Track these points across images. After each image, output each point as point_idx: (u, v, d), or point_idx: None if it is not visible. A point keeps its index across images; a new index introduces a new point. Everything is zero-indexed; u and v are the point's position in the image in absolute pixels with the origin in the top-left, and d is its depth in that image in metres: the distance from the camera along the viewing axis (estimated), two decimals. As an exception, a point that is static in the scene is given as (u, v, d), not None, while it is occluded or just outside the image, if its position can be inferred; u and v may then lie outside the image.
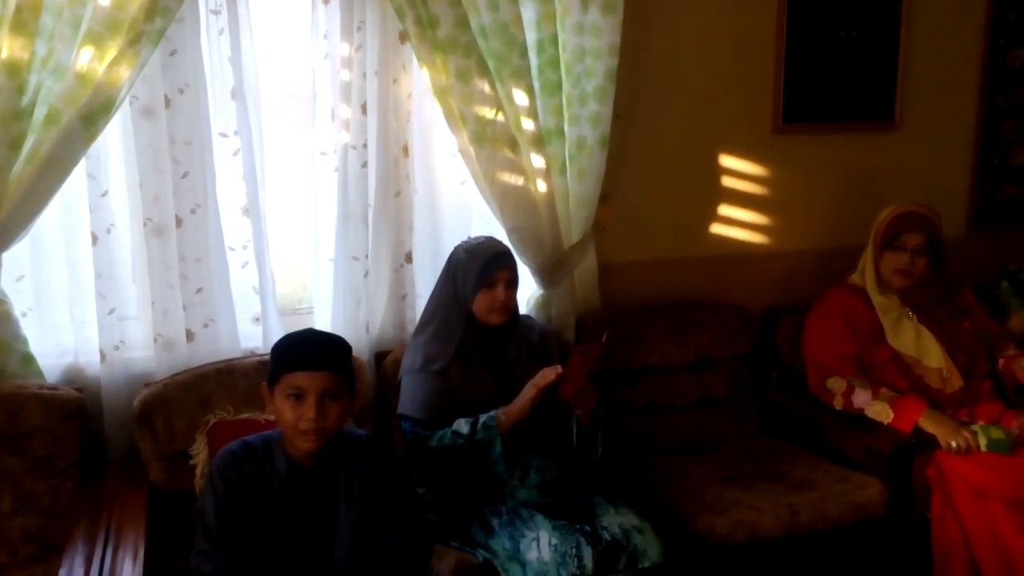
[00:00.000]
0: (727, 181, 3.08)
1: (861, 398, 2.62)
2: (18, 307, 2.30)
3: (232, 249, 2.47)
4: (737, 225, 3.12)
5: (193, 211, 2.37)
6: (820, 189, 3.21)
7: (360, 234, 2.53)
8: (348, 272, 2.54)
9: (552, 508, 2.18)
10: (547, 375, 2.13)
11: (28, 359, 2.29)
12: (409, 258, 2.65)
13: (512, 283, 2.34)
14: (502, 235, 2.62)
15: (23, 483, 2.16)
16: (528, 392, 2.15)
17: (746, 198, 3.11)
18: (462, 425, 2.18)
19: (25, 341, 2.29)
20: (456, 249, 2.37)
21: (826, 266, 3.04)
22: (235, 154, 2.42)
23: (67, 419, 2.20)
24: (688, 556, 2.24)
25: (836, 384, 2.68)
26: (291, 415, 1.76)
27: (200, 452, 2.25)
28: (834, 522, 2.42)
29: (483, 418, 2.18)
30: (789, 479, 2.58)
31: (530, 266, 2.73)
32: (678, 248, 3.06)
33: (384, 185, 2.55)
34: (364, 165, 2.51)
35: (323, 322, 2.58)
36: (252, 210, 2.44)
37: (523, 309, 2.75)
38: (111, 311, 2.36)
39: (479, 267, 2.29)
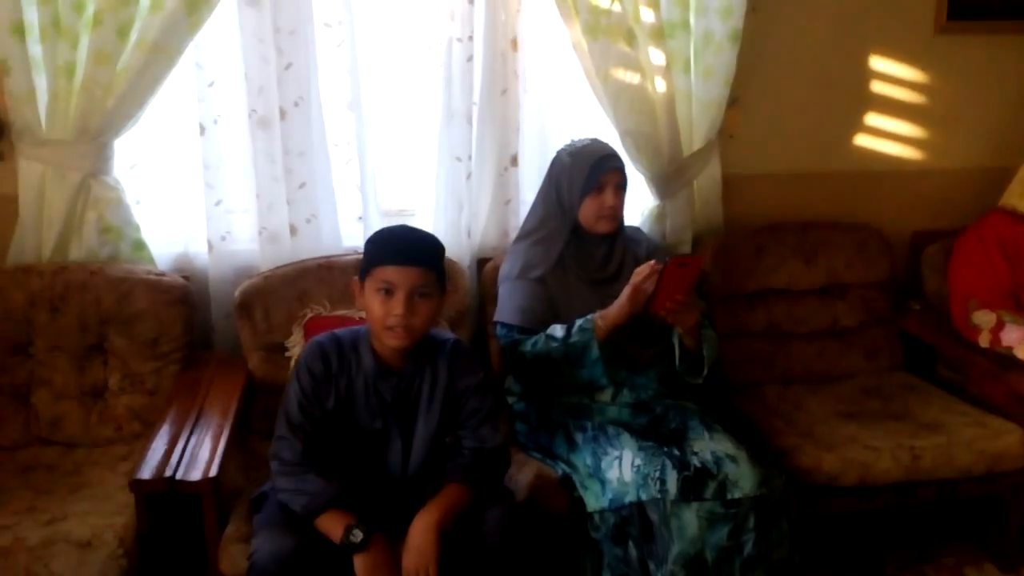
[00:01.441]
0: (877, 87, 2.75)
1: (1012, 335, 2.32)
2: (131, 195, 2.36)
3: (336, 145, 2.43)
4: (886, 137, 2.80)
5: (296, 104, 2.33)
6: (986, 100, 2.83)
7: (464, 133, 2.43)
8: (450, 173, 2.46)
9: (643, 429, 2.06)
10: (642, 270, 1.99)
11: (140, 245, 2.37)
12: (515, 161, 2.52)
13: (621, 187, 2.18)
14: (615, 139, 2.45)
15: (130, 363, 2.25)
16: (624, 293, 2.01)
17: (898, 107, 2.78)
18: (557, 329, 2.08)
19: (137, 228, 2.36)
20: (559, 153, 2.23)
21: (986, 188, 2.69)
22: (339, 46, 2.36)
23: (172, 305, 2.26)
24: (789, 492, 2.06)
25: (984, 318, 2.38)
26: (380, 310, 1.72)
27: (296, 345, 2.27)
28: (962, 471, 2.18)
29: (579, 321, 2.06)
30: (917, 420, 2.33)
31: (645, 174, 2.55)
32: (815, 161, 2.78)
33: (490, 81, 2.42)
34: (469, 59, 2.38)
35: (424, 225, 2.50)
36: (355, 105, 2.38)
37: (635, 221, 2.60)
38: (218, 202, 2.39)
39: (586, 171, 2.14)
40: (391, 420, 1.82)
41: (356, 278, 1.81)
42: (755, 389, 2.55)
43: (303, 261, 2.36)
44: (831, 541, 2.45)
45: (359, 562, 1.65)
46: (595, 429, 2.05)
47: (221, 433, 1.96)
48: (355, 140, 2.42)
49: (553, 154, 2.30)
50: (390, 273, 1.72)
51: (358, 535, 1.65)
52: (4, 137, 2.29)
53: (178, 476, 1.79)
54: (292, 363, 2.25)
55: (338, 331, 1.88)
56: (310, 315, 2.28)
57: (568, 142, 2.25)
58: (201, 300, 2.45)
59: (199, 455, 1.87)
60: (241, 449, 2.13)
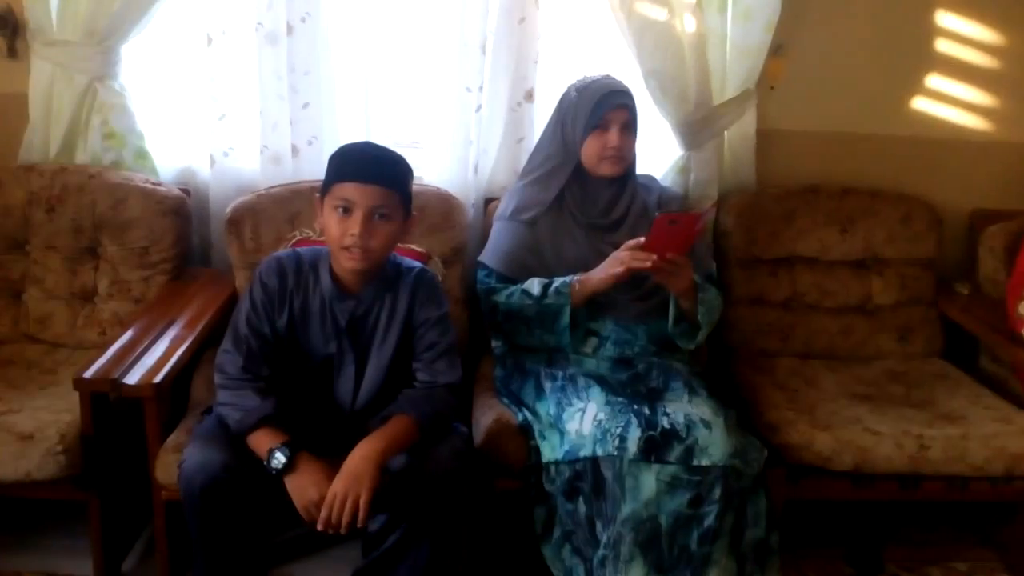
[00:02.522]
0: (942, 45, 2.49)
1: (1057, 329, 2.07)
2: (137, 102, 2.34)
3: (342, 67, 2.35)
4: (948, 102, 2.54)
5: (304, 19, 2.26)
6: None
7: (476, 63, 2.30)
8: (459, 104, 2.34)
9: (619, 385, 1.92)
10: (630, 246, 1.86)
11: (142, 154, 2.35)
12: (530, 96, 2.39)
13: (628, 127, 2.03)
14: (638, 79, 2.30)
15: (119, 270, 2.25)
16: (611, 266, 1.89)
17: (965, 69, 2.51)
18: (534, 285, 1.98)
19: (141, 136, 2.35)
20: (568, 89, 2.09)
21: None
22: (348, -39, 2.27)
23: (165, 215, 2.25)
24: (771, 469, 1.90)
25: (1029, 308, 2.14)
26: (336, 229, 1.65)
27: (281, 267, 2.22)
28: (976, 469, 1.96)
29: (556, 283, 1.95)
30: (936, 409, 2.12)
31: (670, 120, 2.38)
32: (864, 122, 2.54)
33: (507, 8, 2.28)
34: (486, -17, 2.26)
35: (429, 158, 2.42)
36: (363, 26, 2.30)
37: (657, 172, 2.44)
38: (221, 117, 2.35)
39: (589, 107, 2.00)
40: (345, 345, 1.75)
41: (317, 195, 1.73)
42: (766, 360, 2.37)
43: (298, 183, 2.30)
44: (824, 528, 2.27)
45: (289, 483, 1.59)
46: (565, 379, 1.93)
47: (182, 343, 1.93)
48: (362, 63, 2.33)
49: (571, 91, 2.16)
50: (348, 191, 1.63)
51: (280, 459, 1.58)
52: (20, 36, 2.31)
53: (123, 379, 1.76)
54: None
55: (301, 249, 1.82)
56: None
57: (581, 77, 2.10)
58: (202, 215, 2.44)
59: (152, 361, 1.85)
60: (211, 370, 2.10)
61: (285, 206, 2.24)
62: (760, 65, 2.36)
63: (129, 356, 1.85)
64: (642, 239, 1.85)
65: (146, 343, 1.92)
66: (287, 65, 2.29)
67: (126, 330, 2.00)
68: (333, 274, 1.74)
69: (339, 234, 1.64)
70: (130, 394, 1.75)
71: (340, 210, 1.64)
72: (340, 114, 2.37)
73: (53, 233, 2.24)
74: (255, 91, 2.32)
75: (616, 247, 1.98)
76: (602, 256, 1.97)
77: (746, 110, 2.43)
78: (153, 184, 2.28)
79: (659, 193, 2.17)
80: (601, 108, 2.00)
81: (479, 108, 2.34)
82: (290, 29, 2.26)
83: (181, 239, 2.28)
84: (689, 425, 1.77)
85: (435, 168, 2.41)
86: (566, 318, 1.93)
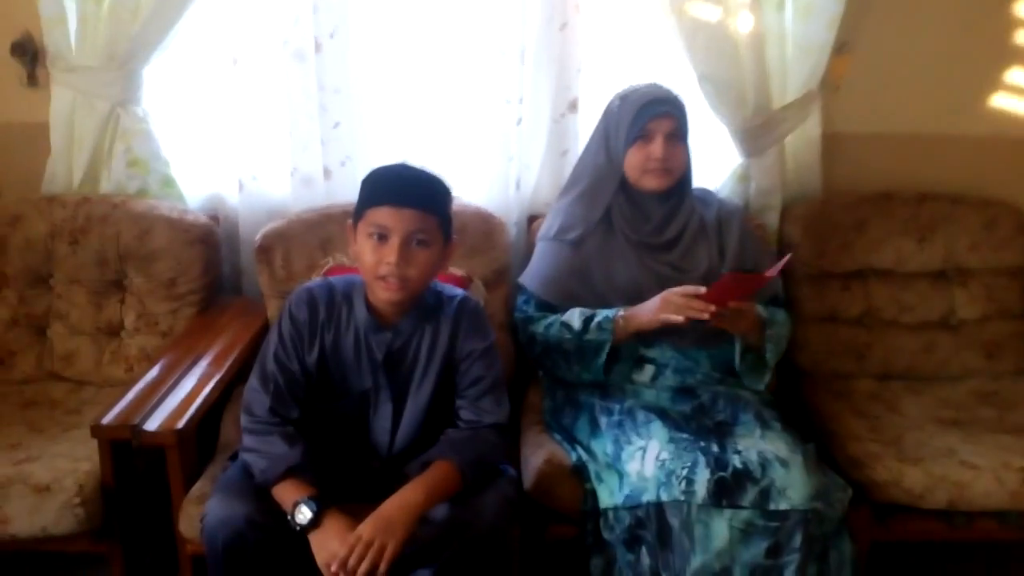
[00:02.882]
0: (1024, 35, 2.28)
1: None
2: (161, 127, 2.24)
3: (373, 83, 2.21)
4: (1034, 98, 2.32)
5: (332, 35, 2.13)
6: None
7: (514, 73, 2.16)
8: (498, 117, 2.20)
9: (683, 418, 1.75)
10: (693, 305, 1.69)
11: (168, 181, 2.25)
12: (574, 107, 2.23)
13: (676, 137, 1.86)
14: (692, 84, 2.13)
15: (146, 303, 2.14)
16: (662, 309, 1.73)
17: (1052, 60, 2.29)
18: (575, 317, 1.82)
19: (166, 163, 2.24)
20: (612, 98, 1.93)
21: None
22: (379, -29, 2.14)
23: (192, 244, 2.13)
24: (858, 510, 1.71)
25: None
26: (372, 257, 1.51)
27: (313, 296, 2.08)
28: (1090, 505, 1.74)
29: (599, 316, 1.80)
30: (1039, 436, 1.90)
31: (727, 126, 2.20)
32: (940, 122, 2.33)
33: (547, 15, 2.13)
34: (523, -13, 2.11)
35: (468, 175, 2.27)
36: (394, 39, 2.17)
37: (716, 181, 2.27)
38: (250, 139, 2.23)
39: (631, 115, 1.84)
40: (382, 381, 1.61)
41: (350, 221, 1.59)
42: (841, 383, 2.17)
43: (329, 206, 2.16)
44: (915, 573, 2.06)
45: (313, 539, 1.44)
46: (623, 413, 1.76)
47: (208, 381, 1.80)
48: (395, 78, 2.20)
49: (617, 100, 2.00)
50: (383, 216, 1.50)
51: (305, 514, 1.43)
52: (40, 63, 2.22)
53: (144, 425, 1.63)
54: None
55: (333, 278, 1.67)
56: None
57: (627, 86, 1.94)
58: (232, 243, 2.33)
59: (176, 403, 1.72)
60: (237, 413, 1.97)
61: (317, 231, 2.11)
62: (823, 64, 2.17)
63: (152, 398, 1.73)
64: (702, 288, 1.70)
65: (171, 382, 1.80)
66: (316, 83, 2.17)
67: (151, 367, 1.87)
68: (368, 305, 1.60)
69: (374, 262, 1.51)
70: (150, 442, 1.62)
71: (375, 237, 1.51)
72: (373, 132, 2.25)
73: (77, 266, 2.14)
74: (284, 112, 2.20)
75: (675, 270, 1.82)
76: (658, 279, 1.81)
77: (809, 113, 2.24)
78: (180, 212, 2.17)
79: (718, 207, 1.98)
80: (643, 117, 1.84)
81: (519, 121, 2.19)
82: (318, 46, 2.14)
83: (209, 269, 2.16)
84: (764, 464, 1.58)
85: (474, 185, 2.27)
86: (603, 356, 1.79)
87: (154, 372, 1.84)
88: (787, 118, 2.21)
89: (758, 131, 2.20)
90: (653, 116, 1.83)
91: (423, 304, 1.61)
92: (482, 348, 1.62)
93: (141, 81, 2.18)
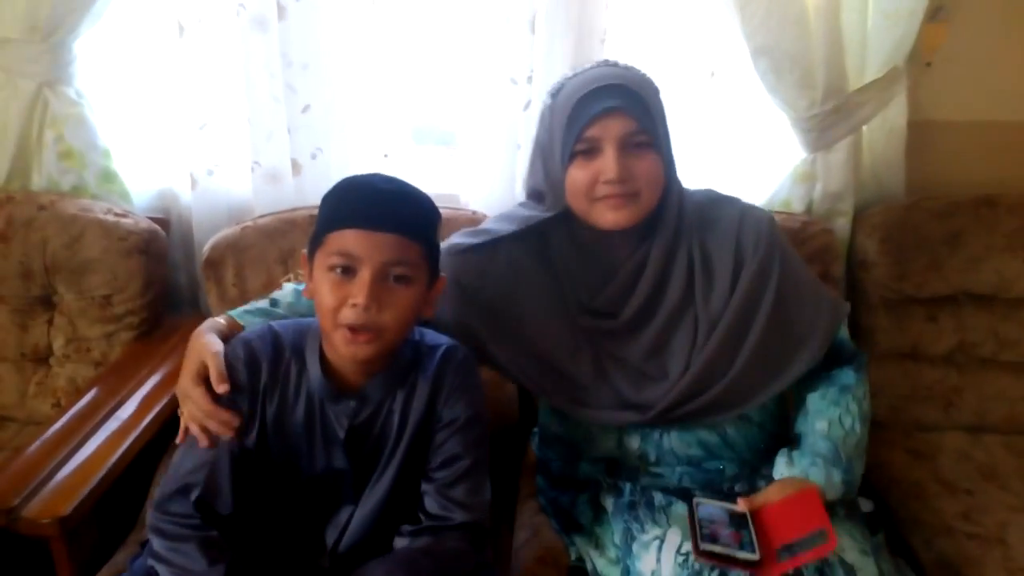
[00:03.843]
0: None
1: None
2: (100, 112, 1.87)
3: (351, 56, 1.80)
4: None
5: (298, -4, 1.73)
6: None
7: (522, 46, 1.74)
8: (501, 100, 1.78)
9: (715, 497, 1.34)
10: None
11: (109, 176, 1.88)
12: (596, 86, 1.80)
13: (637, 143, 1.25)
14: (745, 59, 1.69)
15: (77, 324, 1.79)
16: None
17: None
18: None
19: (105, 153, 1.87)
20: (546, 95, 1.38)
21: None
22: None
23: (129, 255, 1.77)
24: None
25: None
26: (331, 297, 1.13)
27: (271, 321, 1.71)
28: None
29: None
30: None
31: (788, 112, 1.76)
32: (1061, 107, 1.86)
33: (562, -28, 1.70)
34: (532, -61, 1.68)
35: (468, 167, 1.86)
36: (376, 3, 1.75)
37: (771, 184, 1.83)
38: (203, 125, 1.85)
39: (564, 118, 1.26)
40: (340, 464, 1.23)
41: (304, 250, 1.20)
42: (923, 438, 1.75)
43: (292, 210, 1.78)
44: None
45: None
46: (635, 494, 1.35)
47: (122, 441, 1.44)
48: (376, 52, 1.79)
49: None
50: (350, 241, 1.12)
51: None
52: (-44, 35, 1.85)
53: (23, 510, 1.28)
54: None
55: (279, 325, 1.26)
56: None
57: (564, 74, 1.37)
58: (187, 248, 1.96)
59: (72, 472, 1.36)
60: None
61: (277, 241, 1.73)
62: (913, 34, 1.71)
63: (47, 463, 1.38)
64: (742, 506, 1.25)
65: (78, 438, 1.44)
66: (280, 58, 1.77)
67: (62, 415, 1.53)
68: (325, 363, 1.21)
69: (334, 304, 1.12)
70: (30, 532, 1.26)
71: (337, 270, 1.12)
72: (350, 118, 1.84)
73: (-2, 279, 1.79)
74: (241, 93, 1.81)
75: (650, 357, 1.34)
76: (607, 383, 1.36)
77: (893, 95, 1.78)
78: (116, 215, 1.80)
79: (736, 237, 1.34)
80: (580, 119, 1.24)
81: (528, 105, 1.77)
82: (282, 11, 1.74)
83: (151, 285, 1.80)
84: (823, 570, 1.17)
85: (472, 184, 1.86)
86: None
87: (61, 423, 1.49)
88: (865, 102, 1.76)
89: (828, 119, 1.75)
90: (595, 117, 1.24)
91: (398, 360, 1.22)
92: (465, 417, 1.23)
93: (72, 56, 1.80)
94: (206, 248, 1.74)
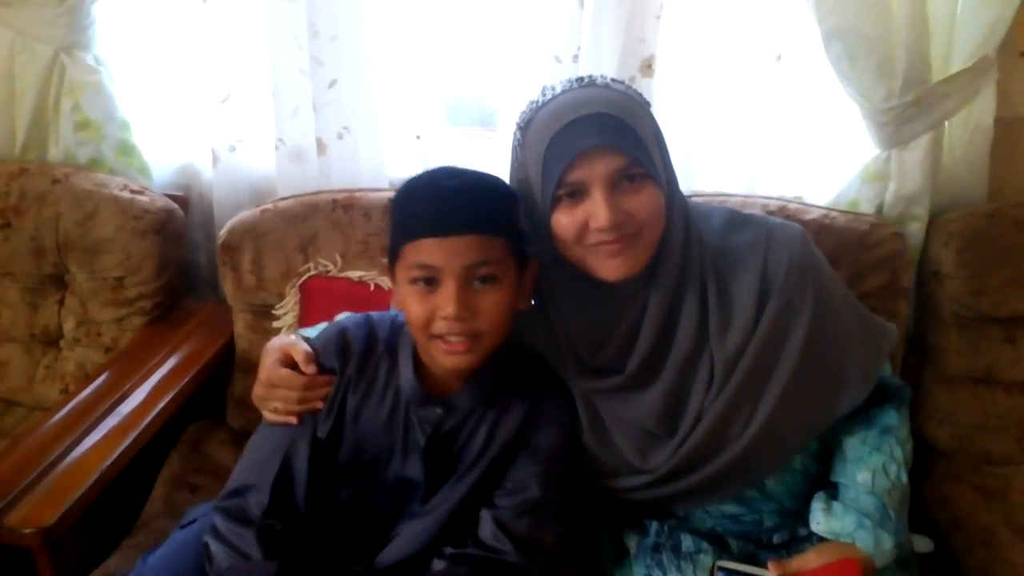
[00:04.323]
0: None
1: None
2: (120, 81, 1.77)
3: (384, 29, 1.67)
4: None
5: (328, -38, 1.60)
6: None
7: (570, 21, 1.59)
8: (546, 81, 1.61)
9: (744, 543, 1.21)
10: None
11: (127, 149, 1.79)
12: (648, 67, 1.63)
13: (631, 176, 1.07)
14: (815, 43, 1.51)
15: (88, 306, 1.71)
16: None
17: None
18: None
19: (124, 124, 1.78)
20: (515, 127, 1.20)
21: None
22: None
23: (144, 235, 1.68)
24: None
25: None
26: (419, 309, 1.07)
27: (287, 311, 1.61)
28: None
29: None
30: None
31: (862, 104, 1.58)
32: None
33: (616, -58, 1.54)
34: (583, -96, 1.52)
35: (507, 151, 1.72)
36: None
37: (839, 181, 1.66)
38: (225, 98, 1.74)
39: (539, 160, 1.09)
40: (417, 472, 1.16)
41: (384, 260, 1.15)
42: (995, 473, 1.57)
43: (315, 194, 1.66)
44: None
45: None
46: (661, 534, 1.22)
47: (120, 442, 1.35)
48: (410, 24, 1.65)
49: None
50: (426, 252, 1.05)
51: None
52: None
53: (7, 516, 1.19)
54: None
55: (376, 317, 1.22)
56: (311, 272, 1.61)
57: (533, 100, 1.18)
58: (208, 228, 1.86)
59: (59, 476, 1.27)
60: (189, 459, 1.54)
61: (296, 227, 1.62)
62: (1008, 19, 1.51)
63: (38, 463, 1.29)
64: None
65: (75, 436, 1.36)
66: (307, 28, 1.64)
67: (64, 404, 1.45)
68: (417, 363, 1.15)
69: (425, 317, 1.07)
70: (11, 542, 1.18)
71: (420, 282, 1.06)
72: (380, 95, 1.71)
73: (10, 256, 1.71)
74: (267, 64, 1.69)
75: (663, 418, 1.17)
76: (607, 447, 1.20)
77: (981, 88, 1.58)
78: (132, 192, 1.71)
79: (762, 264, 1.16)
80: (558, 160, 1.06)
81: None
82: (310, -23, 1.61)
83: (166, 267, 1.71)
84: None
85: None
86: None
87: (59, 416, 1.41)
88: (950, 95, 1.56)
89: (907, 112, 1.56)
90: (577, 156, 1.05)
91: (493, 369, 1.14)
92: (550, 449, 1.16)
93: (91, 20, 1.70)
94: (223, 231, 1.64)
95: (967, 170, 1.66)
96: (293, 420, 1.14)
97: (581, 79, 1.17)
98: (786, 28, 1.61)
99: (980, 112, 1.62)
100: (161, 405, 1.45)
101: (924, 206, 1.65)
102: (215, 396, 1.66)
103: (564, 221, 1.08)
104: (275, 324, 1.61)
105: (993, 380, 1.61)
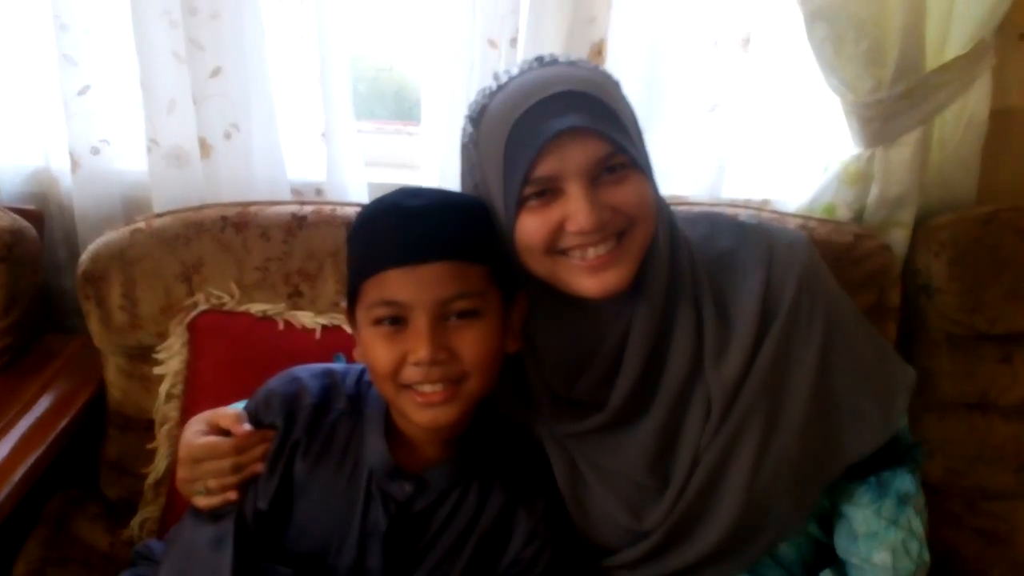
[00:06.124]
0: None
1: None
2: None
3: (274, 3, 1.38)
4: None
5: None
6: None
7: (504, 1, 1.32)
8: (477, 67, 1.36)
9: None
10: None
11: (-40, 153, 1.45)
12: (599, 53, 1.37)
13: (615, 166, 0.88)
14: (797, 27, 1.30)
15: (-81, 352, 1.38)
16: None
17: None
18: None
19: (-45, 123, 1.44)
20: (465, 119, 0.98)
21: None
22: None
23: (-19, 261, 1.35)
24: None
25: None
26: (385, 356, 0.88)
27: (172, 355, 1.32)
28: None
29: None
30: None
31: (844, 96, 1.36)
32: None
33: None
34: None
35: (430, 153, 1.45)
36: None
37: (811, 185, 1.46)
38: (83, 90, 1.41)
39: (500, 154, 0.89)
40: (374, 561, 0.96)
41: (343, 304, 1.01)
42: (992, 509, 1.42)
43: (199, 209, 1.36)
44: None
45: None
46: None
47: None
48: (310, -2, 1.36)
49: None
50: (391, 285, 0.87)
51: None
52: None
53: None
54: (163, 385, 1.33)
55: (341, 368, 1.02)
56: (202, 307, 1.31)
57: (486, 85, 0.97)
58: (72, 246, 1.55)
59: None
60: (53, 544, 1.25)
61: (177, 251, 1.32)
62: (1006, 1, 1.31)
63: None
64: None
65: None
66: (181, 3, 1.33)
67: None
68: (389, 425, 0.96)
69: (392, 364, 0.88)
70: None
71: (386, 322, 0.89)
72: (276, 86, 1.42)
73: None
74: (129, 48, 1.37)
75: (648, 465, 0.97)
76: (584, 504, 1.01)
77: (976, 77, 1.39)
78: (-32, 207, 1.38)
79: (765, 280, 0.97)
80: (522, 152, 0.87)
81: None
82: (181, -62, 1.30)
83: (15, 301, 1.39)
84: None
85: (438, 171, 1.45)
86: None
87: None
88: (943, 85, 1.36)
89: (895, 105, 1.35)
90: (547, 143, 0.85)
91: (478, 434, 0.97)
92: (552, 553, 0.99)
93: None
94: (83, 258, 1.33)
95: (957, 169, 1.47)
96: (232, 496, 0.92)
97: (541, 58, 0.95)
98: (756, 9, 1.38)
99: (974, 104, 1.42)
100: (15, 478, 1.16)
101: (910, 211, 1.45)
102: (85, 458, 1.36)
103: (531, 225, 0.88)
104: (157, 370, 1.32)
105: (989, 405, 1.44)
